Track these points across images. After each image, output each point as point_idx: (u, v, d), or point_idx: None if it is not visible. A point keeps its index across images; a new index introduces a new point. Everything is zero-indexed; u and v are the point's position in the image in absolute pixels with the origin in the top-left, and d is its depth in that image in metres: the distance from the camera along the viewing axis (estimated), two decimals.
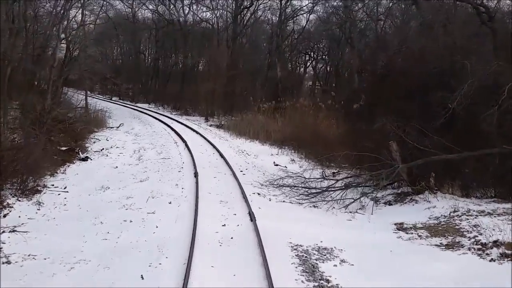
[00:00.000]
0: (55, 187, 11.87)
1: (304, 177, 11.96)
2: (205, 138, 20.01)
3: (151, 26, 42.73)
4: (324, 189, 11.41)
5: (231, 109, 31.33)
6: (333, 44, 42.19)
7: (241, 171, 13.86)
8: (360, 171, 14.69)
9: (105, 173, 13.63)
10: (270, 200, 10.71)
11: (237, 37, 35.49)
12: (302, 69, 51.49)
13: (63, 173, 13.75)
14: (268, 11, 37.34)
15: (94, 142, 19.90)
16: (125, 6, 41.63)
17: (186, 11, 39.19)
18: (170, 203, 10.02)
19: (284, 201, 10.71)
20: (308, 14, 38.66)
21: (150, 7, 41.47)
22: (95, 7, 29.78)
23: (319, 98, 24.38)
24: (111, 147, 18.36)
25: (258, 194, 11.07)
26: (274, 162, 16.78)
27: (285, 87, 33.96)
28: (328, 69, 49.50)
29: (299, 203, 10.71)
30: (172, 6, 39.36)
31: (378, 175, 11.52)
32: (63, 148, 16.61)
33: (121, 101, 44.30)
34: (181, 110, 35.40)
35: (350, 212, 10.43)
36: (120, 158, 16.10)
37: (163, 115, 31.21)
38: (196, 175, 12.43)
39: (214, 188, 11.36)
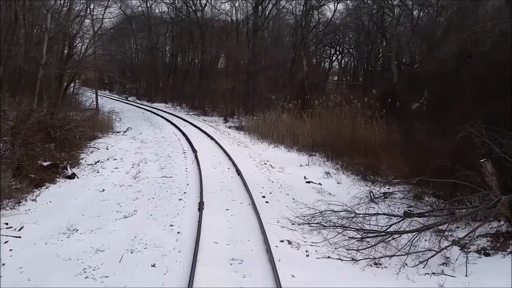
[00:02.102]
0: (8, 227, 8.33)
1: (354, 212, 8.08)
2: (220, 146, 16.26)
3: (167, 21, 39.12)
4: (384, 232, 7.52)
5: (252, 108, 27.55)
6: (362, 36, 37.96)
7: (263, 196, 10.06)
8: (420, 192, 10.86)
9: (85, 201, 10.03)
10: (307, 256, 6.86)
11: (258, 30, 31.56)
12: (327, 64, 47.46)
13: (33, 200, 10.20)
14: (292, 0, 33.26)
15: (92, 152, 16.45)
16: (140, 1, 38.23)
17: (204, 3, 35.50)
18: (153, 266, 6.29)
19: (329, 257, 6.85)
20: (335, 3, 34.40)
21: (167, 0, 37.98)
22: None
23: (352, 95, 20.30)
24: (108, 159, 14.83)
25: (289, 242, 7.25)
26: (305, 178, 12.96)
27: (311, 83, 29.95)
28: (355, 63, 45.31)
29: (353, 258, 6.85)
30: None
31: (473, 212, 7.56)
32: (45, 164, 13.17)
33: (138, 101, 41.06)
34: (199, 110, 31.80)
35: (434, 273, 6.54)
36: (112, 175, 12.51)
37: (178, 116, 27.61)
38: (201, 206, 8.71)
39: (223, 232, 7.60)
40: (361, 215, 8.06)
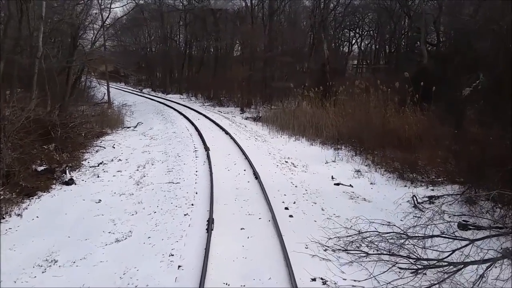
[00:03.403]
0: None
1: (406, 234, 6.20)
2: (235, 142, 14.47)
3: (180, 8, 37.19)
4: (447, 261, 5.64)
5: (270, 97, 25.67)
6: (383, 16, 35.44)
7: (286, 208, 8.23)
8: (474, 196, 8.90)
9: (76, 216, 8.39)
10: None
11: (274, 14, 29.46)
12: (345, 48, 45.02)
13: (19, 215, 8.61)
14: None
15: (97, 151, 14.86)
16: None
17: None
18: None
19: None
20: None
21: None
22: None
23: (379, 80, 18.15)
24: (112, 160, 13.20)
25: (323, 282, 5.41)
26: (332, 178, 11.11)
27: (332, 68, 27.75)
28: (376, 45, 42.73)
29: None
30: None
31: None
32: (40, 168, 11.59)
33: (153, 93, 39.54)
34: (214, 101, 30.07)
35: None
36: (114, 181, 10.86)
37: (191, 108, 25.87)
38: (209, 225, 6.96)
39: (237, 265, 5.82)
40: (410, 237, 6.17)
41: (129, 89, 41.69)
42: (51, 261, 6.37)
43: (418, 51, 32.92)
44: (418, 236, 6.09)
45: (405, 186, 10.58)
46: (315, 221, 7.49)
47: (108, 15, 25.84)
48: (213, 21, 32.49)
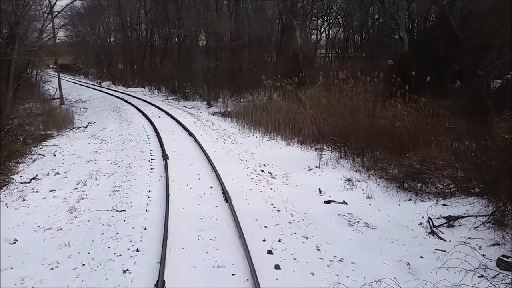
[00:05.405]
0: None
1: None
2: (201, 147, 11.93)
3: None
4: None
5: (238, 89, 23.18)
6: (353, 3, 33.38)
7: (269, 252, 5.80)
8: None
9: None
10: None
11: (240, 0, 26.79)
12: (314, 37, 42.85)
13: None
14: None
15: (34, 161, 12.11)
16: None
17: None
18: None
19: None
20: None
21: None
22: None
23: (359, 72, 15.92)
24: (48, 174, 10.47)
25: None
26: (320, 192, 8.88)
27: (304, 58, 25.39)
28: (346, 34, 40.66)
29: None
30: None
31: None
32: None
33: (113, 86, 36.22)
34: (179, 94, 27.28)
35: None
36: (43, 206, 8.19)
37: (153, 104, 22.99)
38: None
39: None
40: None
41: (87, 83, 38.18)
42: None
43: (389, 38, 31.24)
44: None
45: (409, 199, 8.46)
46: (313, 275, 5.15)
47: (56, 1, 22.53)
48: (174, 8, 29.46)
